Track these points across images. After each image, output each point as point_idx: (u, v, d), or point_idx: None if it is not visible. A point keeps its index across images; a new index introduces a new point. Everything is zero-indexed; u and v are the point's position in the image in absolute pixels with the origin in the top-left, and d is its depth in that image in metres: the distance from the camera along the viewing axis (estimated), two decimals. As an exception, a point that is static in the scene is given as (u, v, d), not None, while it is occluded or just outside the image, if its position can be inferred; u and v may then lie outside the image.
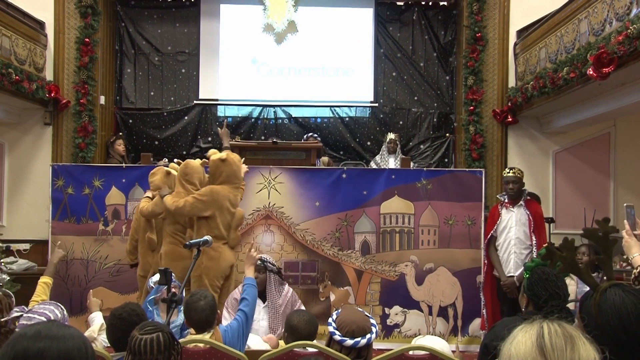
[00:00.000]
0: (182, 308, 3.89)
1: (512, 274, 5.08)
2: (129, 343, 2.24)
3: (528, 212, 5.13)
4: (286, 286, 4.37)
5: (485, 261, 5.33)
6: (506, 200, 5.21)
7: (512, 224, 5.15)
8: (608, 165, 7.15)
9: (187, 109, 8.09)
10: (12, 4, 6.39)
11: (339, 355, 2.70)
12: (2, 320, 2.88)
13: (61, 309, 2.96)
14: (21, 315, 2.89)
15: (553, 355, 1.22)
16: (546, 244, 2.27)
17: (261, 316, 4.11)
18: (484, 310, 5.34)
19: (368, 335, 2.72)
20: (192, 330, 3.57)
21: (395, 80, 8.23)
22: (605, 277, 1.93)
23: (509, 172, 5.21)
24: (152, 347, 2.17)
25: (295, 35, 8.11)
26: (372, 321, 2.85)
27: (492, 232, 5.24)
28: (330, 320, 2.83)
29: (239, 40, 8.15)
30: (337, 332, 2.73)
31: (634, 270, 2.38)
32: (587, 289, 1.88)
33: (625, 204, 2.64)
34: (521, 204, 5.15)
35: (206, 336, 3.07)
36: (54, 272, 3.97)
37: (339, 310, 2.92)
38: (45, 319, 2.79)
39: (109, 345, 2.98)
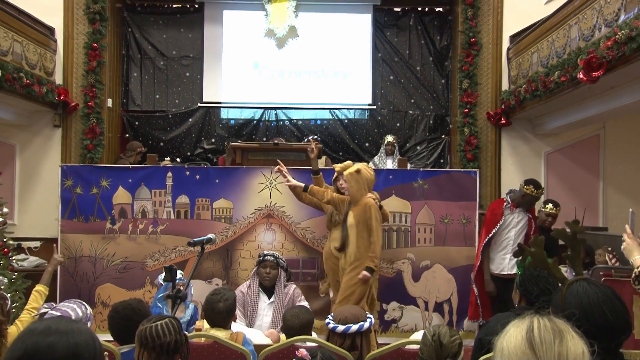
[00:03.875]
0: (189, 304, 3.90)
1: (506, 272, 5.07)
2: (138, 337, 2.24)
3: (529, 215, 5.11)
4: (290, 283, 4.37)
5: (481, 257, 5.27)
6: (510, 203, 5.17)
7: (514, 224, 5.14)
8: (598, 166, 7.16)
9: (191, 111, 8.11)
10: (23, 10, 6.40)
11: (336, 349, 2.71)
12: None
13: (85, 307, 2.97)
14: (47, 312, 2.91)
15: (541, 348, 1.23)
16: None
17: (265, 312, 4.10)
18: (479, 301, 5.29)
19: (360, 323, 2.75)
20: (197, 325, 3.58)
21: (393, 84, 8.24)
22: (591, 274, 1.96)
23: (538, 193, 5.03)
24: (168, 330, 2.20)
25: (296, 40, 8.12)
26: (369, 316, 2.88)
27: (494, 230, 5.15)
28: (329, 315, 2.89)
29: (241, 45, 8.16)
30: (331, 322, 2.78)
31: (635, 270, 2.39)
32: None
33: (630, 210, 2.66)
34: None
35: (220, 333, 3.07)
36: (49, 280, 3.75)
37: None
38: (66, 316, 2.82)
39: None
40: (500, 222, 5.16)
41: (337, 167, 4.75)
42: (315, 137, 7.41)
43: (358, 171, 4.53)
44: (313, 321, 3.38)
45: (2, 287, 4.17)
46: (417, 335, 3.15)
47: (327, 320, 2.85)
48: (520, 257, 4.44)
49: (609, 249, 5.03)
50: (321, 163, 6.66)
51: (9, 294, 3.16)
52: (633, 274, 2.40)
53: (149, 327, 2.22)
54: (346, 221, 4.56)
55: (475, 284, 5.29)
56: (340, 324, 2.75)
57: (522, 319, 1.30)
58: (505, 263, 5.13)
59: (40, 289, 3.55)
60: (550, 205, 5.37)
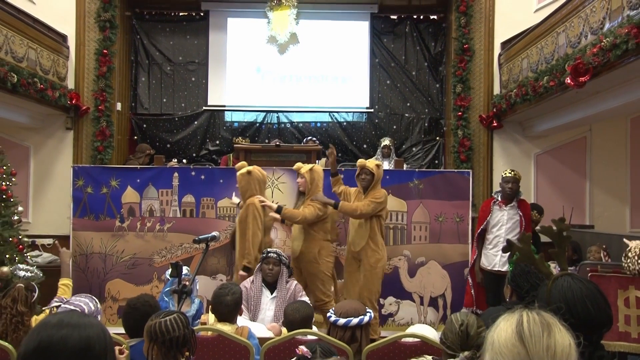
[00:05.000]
0: (195, 299, 3.90)
1: (498, 268, 5.06)
2: (148, 331, 2.24)
3: (521, 213, 5.09)
4: (291, 279, 4.37)
5: (477, 250, 5.24)
6: (500, 199, 5.16)
7: (504, 221, 5.10)
8: (584, 167, 7.18)
9: (196, 114, 8.11)
10: (38, 19, 6.44)
11: (335, 342, 2.72)
12: (20, 309, 2.89)
13: (95, 301, 2.97)
14: (60, 305, 2.91)
15: (531, 341, 1.23)
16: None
17: (267, 306, 4.10)
18: (473, 291, 5.28)
19: (360, 316, 2.75)
20: (202, 319, 3.58)
21: (389, 88, 8.24)
22: (578, 270, 1.97)
23: (509, 173, 5.08)
24: (177, 325, 2.21)
25: (297, 46, 8.12)
26: (369, 310, 2.88)
27: (482, 226, 5.16)
28: (331, 308, 2.90)
29: (244, 51, 8.16)
30: (333, 315, 2.79)
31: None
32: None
33: None
34: (514, 204, 5.11)
35: (226, 327, 3.07)
36: (69, 272, 3.84)
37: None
38: (80, 310, 2.82)
39: None
40: (488, 219, 5.14)
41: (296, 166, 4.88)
42: (314, 138, 7.43)
43: (249, 172, 4.64)
44: (313, 315, 3.39)
45: (29, 277, 4.17)
46: (413, 329, 3.16)
47: (328, 314, 2.86)
48: (509, 253, 4.47)
49: (604, 246, 5.03)
50: (321, 164, 6.68)
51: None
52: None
53: (158, 322, 2.22)
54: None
55: (470, 276, 5.29)
56: (341, 317, 2.76)
57: (512, 313, 1.30)
58: (496, 260, 5.11)
59: (66, 282, 3.63)
60: (535, 212, 5.43)
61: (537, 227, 5.17)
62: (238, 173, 4.69)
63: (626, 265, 2.62)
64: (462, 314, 2.18)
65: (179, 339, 2.20)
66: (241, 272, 4.42)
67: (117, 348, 2.37)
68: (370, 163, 4.81)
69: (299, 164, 4.87)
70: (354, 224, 4.87)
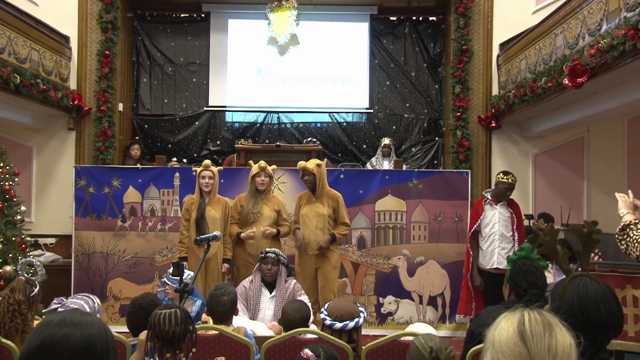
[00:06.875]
0: (196, 300, 3.88)
1: (496, 267, 5.04)
2: (150, 320, 2.27)
3: (511, 210, 5.09)
4: (290, 278, 4.36)
5: (471, 252, 5.23)
6: (490, 198, 5.15)
7: (496, 220, 5.09)
8: (582, 167, 7.17)
9: (197, 115, 8.10)
10: (40, 20, 6.44)
11: (336, 341, 2.71)
12: (17, 298, 2.89)
13: (93, 301, 2.96)
14: (57, 308, 2.90)
15: (532, 340, 1.22)
16: (531, 235, 2.36)
17: (267, 306, 4.09)
18: (472, 295, 5.24)
19: (356, 319, 2.75)
20: (203, 318, 3.57)
21: (389, 89, 8.23)
22: (580, 269, 1.97)
23: (510, 179, 4.99)
24: (170, 320, 2.23)
25: (297, 47, 8.11)
26: (361, 309, 2.88)
27: (475, 226, 5.15)
28: (322, 309, 2.88)
29: (245, 52, 8.16)
30: (327, 318, 2.77)
31: (621, 224, 2.53)
32: (563, 279, 1.90)
33: None
34: (504, 203, 5.11)
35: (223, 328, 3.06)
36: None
37: (330, 302, 2.96)
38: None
39: None
40: (481, 217, 5.11)
41: (260, 163, 4.96)
42: (314, 140, 7.43)
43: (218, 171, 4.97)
44: (311, 315, 3.39)
45: (31, 274, 4.15)
46: (412, 328, 3.15)
47: (322, 316, 2.83)
48: (510, 250, 4.48)
49: (596, 250, 5.03)
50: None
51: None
52: (618, 228, 2.49)
53: (157, 314, 2.25)
54: (204, 215, 4.76)
55: (470, 281, 5.21)
56: (336, 320, 2.74)
57: (513, 312, 1.29)
58: (494, 258, 5.08)
59: None
60: (541, 220, 5.47)
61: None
62: (216, 169, 4.92)
63: (624, 245, 2.58)
64: (426, 338, 2.11)
65: (168, 334, 2.21)
66: (226, 265, 4.81)
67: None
68: (310, 164, 4.74)
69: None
70: (310, 227, 4.72)
